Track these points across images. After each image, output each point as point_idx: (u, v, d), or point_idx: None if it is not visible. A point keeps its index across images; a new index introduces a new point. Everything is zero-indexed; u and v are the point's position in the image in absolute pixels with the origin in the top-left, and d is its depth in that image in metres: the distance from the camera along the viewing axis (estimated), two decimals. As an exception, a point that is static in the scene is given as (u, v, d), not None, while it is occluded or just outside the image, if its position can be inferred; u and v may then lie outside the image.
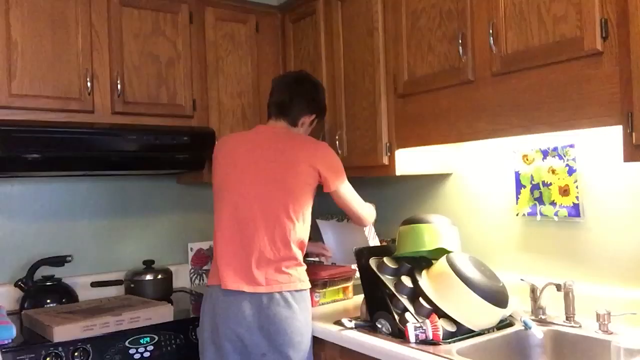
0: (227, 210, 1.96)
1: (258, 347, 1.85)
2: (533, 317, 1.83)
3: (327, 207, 2.28)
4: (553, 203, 1.95)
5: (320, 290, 2.21)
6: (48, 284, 2.36)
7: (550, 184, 1.96)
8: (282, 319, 1.84)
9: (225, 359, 1.89)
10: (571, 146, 1.90)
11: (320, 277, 2.19)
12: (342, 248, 2.41)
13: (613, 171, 1.81)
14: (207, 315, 1.96)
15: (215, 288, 1.94)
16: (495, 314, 1.73)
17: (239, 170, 1.98)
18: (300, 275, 1.92)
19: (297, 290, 1.89)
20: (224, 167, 2.02)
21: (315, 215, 2.06)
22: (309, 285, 1.95)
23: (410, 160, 2.19)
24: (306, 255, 2.03)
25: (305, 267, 1.96)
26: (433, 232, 1.88)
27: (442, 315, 1.71)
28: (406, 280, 1.83)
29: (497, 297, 1.71)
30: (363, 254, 1.94)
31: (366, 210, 2.11)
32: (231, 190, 1.97)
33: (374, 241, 2.30)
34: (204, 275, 2.87)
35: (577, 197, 1.88)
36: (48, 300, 2.30)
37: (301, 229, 1.93)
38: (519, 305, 1.86)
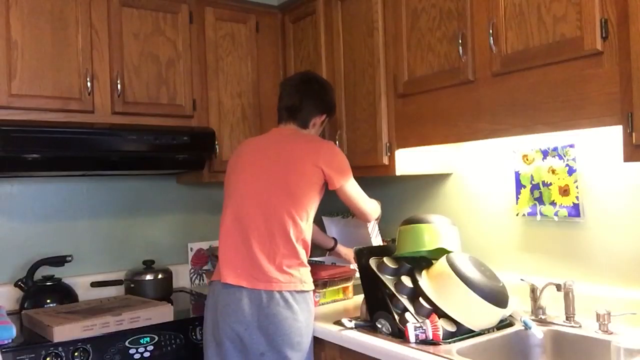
0: (230, 209, 1.99)
1: (257, 346, 1.85)
2: (533, 317, 1.83)
3: (332, 205, 2.28)
4: (553, 203, 1.95)
5: (320, 290, 2.21)
6: (48, 284, 2.36)
7: (550, 184, 1.96)
8: (281, 319, 1.84)
9: (225, 356, 1.90)
10: (571, 146, 1.90)
11: (320, 277, 2.19)
12: (347, 245, 2.41)
13: (613, 171, 1.81)
14: (209, 312, 1.99)
15: (216, 283, 1.96)
16: (495, 314, 1.73)
17: (242, 170, 2.02)
18: (302, 276, 1.92)
19: (297, 291, 1.89)
20: (231, 169, 2.09)
21: (320, 212, 2.07)
22: (312, 287, 1.95)
23: (410, 160, 2.19)
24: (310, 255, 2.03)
25: (309, 268, 1.96)
26: (433, 232, 1.88)
27: (442, 315, 1.71)
28: (406, 280, 1.83)
29: (497, 297, 1.71)
30: (363, 254, 1.93)
31: (370, 207, 2.14)
32: (234, 190, 2.01)
33: (376, 239, 2.31)
34: (204, 275, 2.87)
35: (577, 197, 1.88)
36: (48, 300, 2.30)
37: (305, 228, 1.94)
38: (519, 305, 1.86)
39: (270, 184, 1.94)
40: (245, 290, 1.87)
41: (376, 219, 2.25)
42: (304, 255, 1.94)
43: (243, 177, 2.00)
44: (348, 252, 2.34)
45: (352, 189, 2.04)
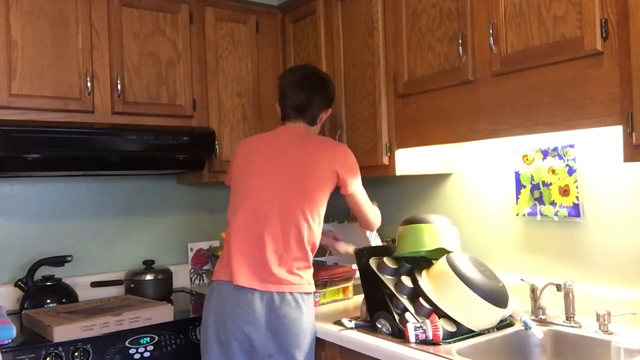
0: (244, 209, 1.94)
1: (266, 347, 1.85)
2: (533, 317, 1.83)
3: (327, 210, 2.28)
4: (553, 203, 1.95)
5: (320, 290, 2.21)
6: (48, 284, 2.36)
7: (550, 184, 1.96)
8: (291, 320, 1.85)
9: (231, 357, 1.87)
10: (571, 146, 1.90)
11: (320, 277, 2.19)
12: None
13: (613, 171, 1.81)
14: (212, 312, 1.92)
15: (224, 284, 1.91)
16: (495, 314, 1.73)
17: (257, 170, 1.98)
18: (308, 278, 1.93)
19: (305, 293, 1.90)
20: (242, 167, 2.02)
21: None
22: (314, 289, 1.96)
23: (410, 160, 2.19)
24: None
25: (312, 270, 1.96)
26: (433, 232, 1.88)
27: (442, 315, 1.71)
28: (406, 280, 1.83)
29: (497, 297, 1.71)
30: (363, 254, 1.94)
31: (375, 214, 2.13)
32: (249, 189, 1.96)
33: (375, 241, 2.30)
34: (204, 275, 2.87)
35: (577, 197, 1.88)
36: (48, 300, 2.30)
37: (316, 231, 1.95)
38: (519, 305, 1.86)
39: (288, 186, 1.92)
40: (257, 291, 1.86)
41: None
42: (311, 258, 1.95)
43: (260, 177, 1.96)
44: (327, 238, 2.28)
45: (362, 195, 2.05)
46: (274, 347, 1.85)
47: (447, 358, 1.52)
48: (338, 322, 1.91)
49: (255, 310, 1.85)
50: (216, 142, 2.52)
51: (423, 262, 1.91)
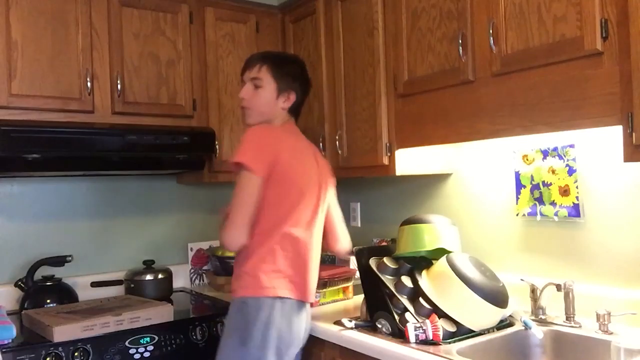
0: (319, 224, 1.90)
1: (300, 348, 1.90)
2: (533, 317, 1.83)
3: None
4: (553, 203, 1.95)
5: (320, 290, 2.21)
6: (48, 284, 2.36)
7: (550, 184, 1.96)
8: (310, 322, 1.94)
9: None
10: (571, 146, 1.90)
11: (320, 277, 2.18)
12: None
13: (613, 171, 1.81)
14: (275, 327, 1.76)
15: (287, 301, 1.79)
16: (495, 314, 1.73)
17: (314, 178, 1.90)
18: None
19: None
20: (302, 168, 1.87)
21: None
22: None
23: (410, 160, 2.19)
24: None
25: None
26: (433, 232, 1.88)
27: (442, 315, 1.71)
28: (406, 280, 1.83)
29: (497, 297, 1.71)
30: (363, 254, 1.94)
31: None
32: (317, 204, 1.89)
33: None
34: (204, 275, 2.87)
35: (577, 197, 1.88)
36: (48, 300, 2.30)
37: None
38: (519, 305, 1.86)
39: (325, 199, 1.94)
40: (305, 303, 1.89)
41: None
42: None
43: (315, 188, 1.89)
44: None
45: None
46: (299, 350, 1.90)
47: (447, 358, 1.52)
48: (338, 322, 1.91)
49: (308, 316, 1.91)
50: (216, 142, 2.52)
51: (423, 262, 1.91)
